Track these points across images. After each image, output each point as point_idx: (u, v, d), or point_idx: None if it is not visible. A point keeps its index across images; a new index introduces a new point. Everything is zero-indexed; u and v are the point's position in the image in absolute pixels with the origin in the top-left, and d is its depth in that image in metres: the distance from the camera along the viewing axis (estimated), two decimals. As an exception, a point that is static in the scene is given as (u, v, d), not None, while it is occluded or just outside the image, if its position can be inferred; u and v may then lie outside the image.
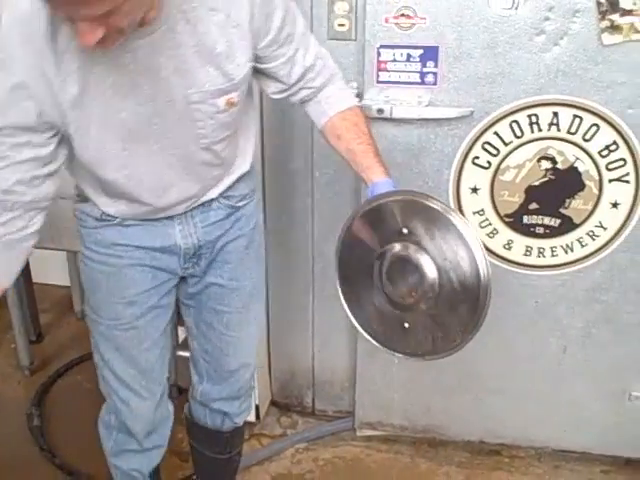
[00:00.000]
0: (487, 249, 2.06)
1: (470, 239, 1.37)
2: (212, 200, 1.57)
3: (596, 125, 1.88)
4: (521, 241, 2.06)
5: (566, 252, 2.05)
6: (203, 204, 1.56)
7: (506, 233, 2.05)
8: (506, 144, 1.95)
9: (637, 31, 1.76)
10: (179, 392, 2.39)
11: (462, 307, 1.42)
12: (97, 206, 1.52)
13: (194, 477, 2.09)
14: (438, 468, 2.31)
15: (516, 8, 1.80)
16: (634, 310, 2.09)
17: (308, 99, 1.56)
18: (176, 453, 2.28)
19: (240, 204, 1.62)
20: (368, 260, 1.47)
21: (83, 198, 1.54)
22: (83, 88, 1.27)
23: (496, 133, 1.94)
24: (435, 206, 1.39)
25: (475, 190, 2.02)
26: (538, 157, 1.94)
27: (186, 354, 1.88)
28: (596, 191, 1.96)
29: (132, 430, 1.74)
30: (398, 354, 1.53)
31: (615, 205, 1.96)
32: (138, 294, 1.59)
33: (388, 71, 1.92)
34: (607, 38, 1.78)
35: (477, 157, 1.98)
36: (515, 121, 1.91)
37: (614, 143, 1.89)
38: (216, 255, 1.64)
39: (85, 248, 1.58)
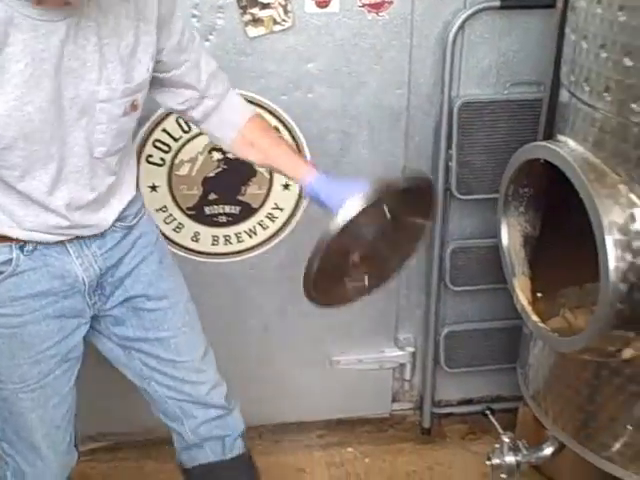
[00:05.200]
0: (175, 244, 2.11)
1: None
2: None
3: (258, 114, 1.99)
4: (207, 232, 2.12)
5: (250, 236, 2.15)
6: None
7: (191, 226, 2.11)
8: (176, 140, 2.00)
9: (277, 23, 1.89)
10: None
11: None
12: None
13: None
14: (163, 466, 2.32)
15: (162, 6, 1.85)
16: (319, 282, 2.24)
17: (209, 112, 1.53)
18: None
19: (134, 222, 1.53)
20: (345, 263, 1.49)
21: None
22: None
23: (165, 130, 1.98)
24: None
25: (154, 188, 2.04)
26: (209, 149, 2.02)
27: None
28: (267, 175, 2.07)
29: None
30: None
31: (286, 186, 2.09)
32: (44, 350, 1.45)
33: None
34: (251, 31, 1.89)
35: (150, 155, 2.00)
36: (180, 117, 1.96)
37: (276, 128, 2.01)
38: (123, 282, 1.52)
39: None
